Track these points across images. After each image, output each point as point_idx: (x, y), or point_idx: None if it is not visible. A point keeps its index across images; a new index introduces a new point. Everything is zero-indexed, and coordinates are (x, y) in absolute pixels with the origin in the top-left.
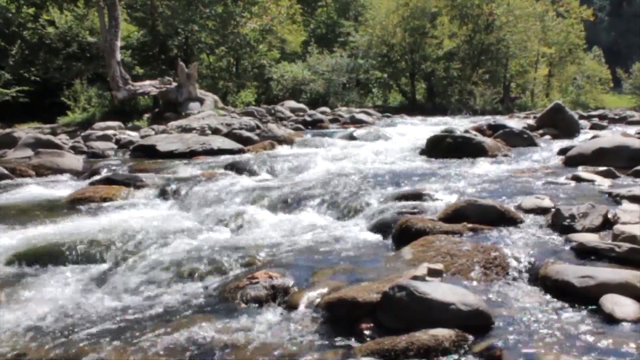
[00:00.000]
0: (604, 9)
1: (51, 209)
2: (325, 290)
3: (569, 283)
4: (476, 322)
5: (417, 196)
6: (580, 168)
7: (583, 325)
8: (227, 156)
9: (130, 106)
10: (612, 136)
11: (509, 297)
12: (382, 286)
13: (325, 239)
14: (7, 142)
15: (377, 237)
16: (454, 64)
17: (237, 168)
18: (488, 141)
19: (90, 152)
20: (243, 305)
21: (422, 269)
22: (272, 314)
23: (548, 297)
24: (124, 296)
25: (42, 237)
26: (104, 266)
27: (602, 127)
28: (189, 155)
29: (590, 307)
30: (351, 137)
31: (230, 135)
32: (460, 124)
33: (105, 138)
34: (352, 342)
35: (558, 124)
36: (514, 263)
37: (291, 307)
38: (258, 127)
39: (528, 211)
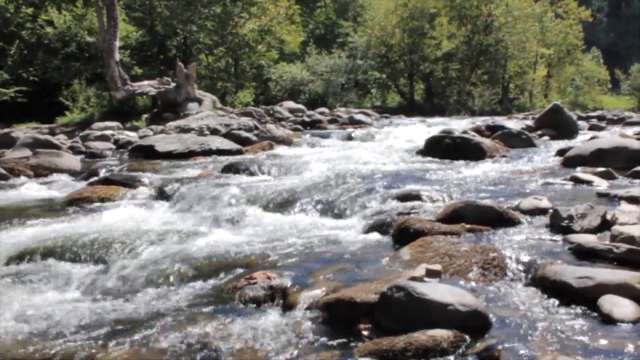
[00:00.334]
0: (602, 10)
1: (49, 209)
2: (323, 290)
3: (567, 284)
4: (474, 323)
5: (416, 197)
6: (578, 169)
7: (581, 326)
8: (226, 157)
9: (128, 106)
10: (610, 137)
11: (507, 298)
12: (380, 287)
13: (324, 240)
14: (5, 142)
15: (375, 238)
16: (453, 64)
17: (236, 168)
18: (486, 142)
19: (88, 153)
20: (241, 305)
21: (420, 270)
22: (270, 315)
23: (546, 297)
24: (121, 296)
25: (40, 237)
26: (102, 266)
27: (600, 128)
28: (188, 155)
29: (588, 308)
30: (350, 138)
31: (228, 135)
32: (459, 125)
33: (104, 138)
34: (350, 342)
35: (556, 124)
36: (512, 264)
37: (289, 307)
38: (256, 128)
39: (526, 212)
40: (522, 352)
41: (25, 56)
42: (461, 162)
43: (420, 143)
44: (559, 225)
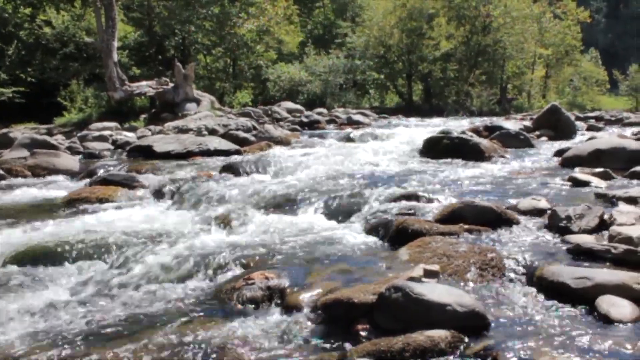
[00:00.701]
0: (600, 11)
1: (47, 210)
2: (321, 291)
3: (565, 284)
4: (472, 323)
5: (414, 197)
6: (576, 169)
7: (579, 327)
8: (224, 157)
9: (127, 107)
10: (608, 138)
11: (505, 298)
12: (378, 287)
13: (322, 240)
14: (3, 143)
15: (373, 238)
16: (451, 65)
17: (234, 169)
18: (485, 142)
19: (86, 153)
20: (239, 306)
21: (418, 270)
22: (268, 315)
23: (544, 298)
24: (119, 297)
25: (39, 237)
26: (100, 267)
27: (598, 129)
28: (186, 155)
29: (586, 308)
30: (348, 138)
31: (226, 136)
32: (457, 125)
33: (102, 139)
34: (348, 343)
35: (555, 125)
36: (510, 264)
37: (287, 308)
38: (255, 128)
39: (524, 212)
40: (519, 352)
41: (23, 56)
42: (459, 162)
43: (419, 143)
44: (557, 225)
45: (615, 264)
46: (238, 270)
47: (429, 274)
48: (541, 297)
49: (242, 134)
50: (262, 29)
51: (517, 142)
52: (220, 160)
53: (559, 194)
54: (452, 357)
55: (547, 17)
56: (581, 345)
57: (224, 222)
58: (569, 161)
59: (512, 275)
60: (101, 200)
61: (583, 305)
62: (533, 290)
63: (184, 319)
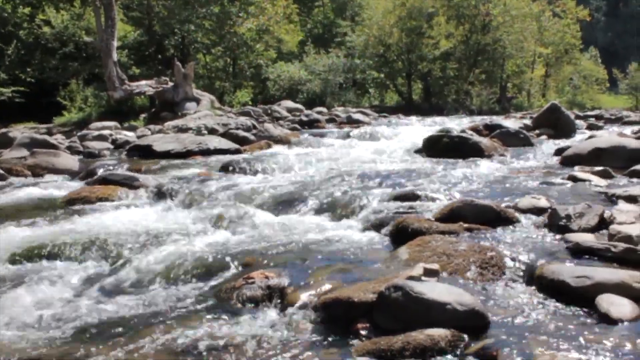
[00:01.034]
0: (600, 10)
1: (47, 209)
2: (321, 290)
3: (565, 283)
4: (472, 322)
5: (414, 196)
6: (576, 168)
7: (579, 325)
8: (224, 156)
9: (126, 106)
10: (608, 136)
11: (505, 297)
12: (378, 286)
13: (321, 239)
14: (3, 142)
15: (373, 237)
16: (451, 64)
17: (234, 168)
18: (484, 141)
19: (86, 152)
20: (239, 305)
21: (418, 269)
22: (268, 314)
23: (544, 297)
24: (119, 296)
25: (38, 237)
26: (100, 266)
27: (598, 127)
28: (186, 155)
29: (586, 307)
30: (348, 137)
31: (226, 135)
32: (457, 124)
33: (102, 138)
34: (348, 342)
35: (554, 124)
36: (510, 263)
37: (287, 307)
38: (254, 127)
39: (524, 211)
40: (519, 351)
41: (22, 56)
42: (459, 161)
43: (419, 142)
44: (557, 224)
45: (615, 262)
46: (238, 270)
47: (428, 272)
48: (541, 295)
49: (241, 133)
50: (261, 28)
51: (516, 140)
52: (220, 160)
53: (559, 193)
54: (452, 356)
55: (547, 16)
56: (581, 344)
57: (224, 221)
58: (568, 160)
59: (512, 274)
60: (101, 200)
61: (583, 304)
62: (533, 289)
63: (183, 318)
